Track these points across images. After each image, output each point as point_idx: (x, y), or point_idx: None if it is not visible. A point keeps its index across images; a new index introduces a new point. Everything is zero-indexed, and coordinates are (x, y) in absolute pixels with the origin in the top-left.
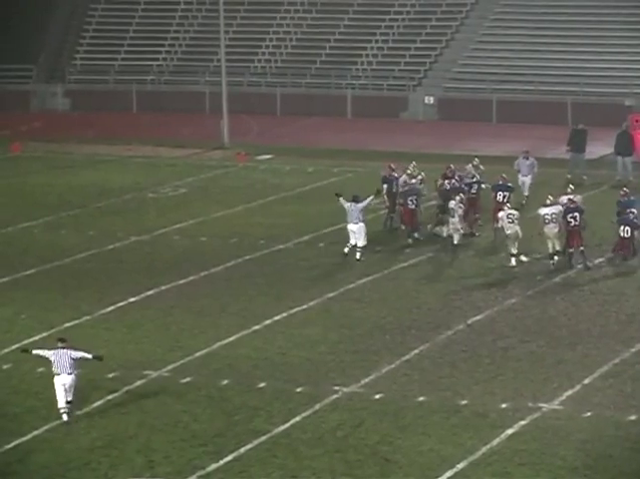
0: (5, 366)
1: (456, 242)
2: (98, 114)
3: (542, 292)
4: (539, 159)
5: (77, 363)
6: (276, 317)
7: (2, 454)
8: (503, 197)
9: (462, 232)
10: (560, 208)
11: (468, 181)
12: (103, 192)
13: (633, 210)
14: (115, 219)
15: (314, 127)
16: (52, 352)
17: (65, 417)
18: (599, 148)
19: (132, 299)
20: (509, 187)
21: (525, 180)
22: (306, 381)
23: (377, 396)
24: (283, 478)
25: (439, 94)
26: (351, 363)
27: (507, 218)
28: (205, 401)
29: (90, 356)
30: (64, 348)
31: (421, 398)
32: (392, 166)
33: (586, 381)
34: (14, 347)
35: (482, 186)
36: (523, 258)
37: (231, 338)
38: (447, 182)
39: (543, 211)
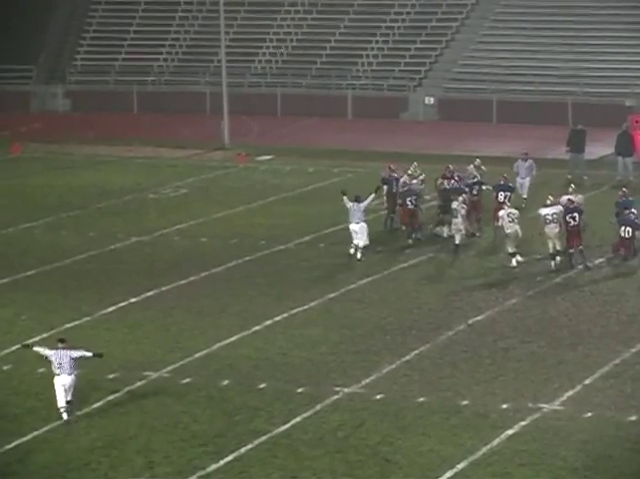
0: (5, 367)
1: (457, 243)
2: (98, 115)
3: (543, 293)
4: (540, 159)
5: (77, 363)
6: (277, 318)
7: (2, 454)
8: (505, 197)
9: (464, 232)
10: (561, 208)
11: (469, 181)
12: (103, 192)
13: (633, 210)
14: (115, 219)
15: (314, 127)
16: (52, 352)
17: (65, 416)
18: (599, 148)
19: (132, 300)
20: (510, 187)
21: (524, 182)
22: (307, 382)
23: (377, 397)
24: (283, 478)
25: (439, 94)
26: (352, 364)
27: (508, 217)
28: (206, 402)
29: (90, 354)
30: (64, 349)
31: (421, 399)
32: (391, 166)
33: (587, 382)
34: (14, 348)
35: (484, 187)
36: (520, 259)
37: (232, 339)
38: (446, 182)
39: (544, 211)
